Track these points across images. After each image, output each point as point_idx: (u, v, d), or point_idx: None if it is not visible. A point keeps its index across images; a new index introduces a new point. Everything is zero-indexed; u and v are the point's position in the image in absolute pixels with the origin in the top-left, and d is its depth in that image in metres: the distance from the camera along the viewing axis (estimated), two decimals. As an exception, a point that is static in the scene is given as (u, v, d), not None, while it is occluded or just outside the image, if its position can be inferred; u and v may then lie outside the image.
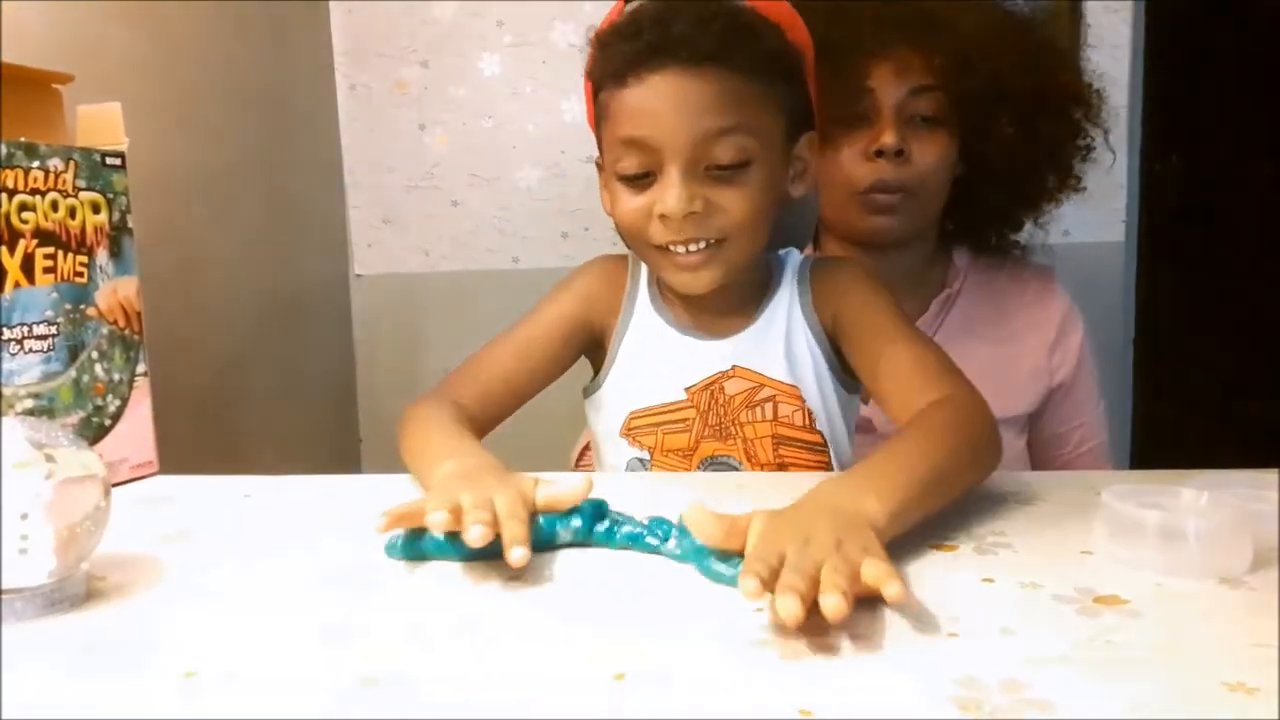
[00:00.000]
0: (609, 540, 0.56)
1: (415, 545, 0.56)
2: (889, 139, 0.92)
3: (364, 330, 1.74)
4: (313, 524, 0.65)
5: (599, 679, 0.40)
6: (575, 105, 1.61)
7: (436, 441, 0.68)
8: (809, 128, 0.75)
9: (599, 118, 0.73)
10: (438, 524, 0.51)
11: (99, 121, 0.81)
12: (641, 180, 0.69)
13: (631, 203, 0.70)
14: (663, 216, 0.68)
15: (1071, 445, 1.04)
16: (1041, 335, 1.01)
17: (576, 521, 0.56)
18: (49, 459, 0.48)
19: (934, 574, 0.51)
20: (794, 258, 0.80)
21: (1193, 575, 0.49)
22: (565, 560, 0.55)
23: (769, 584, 0.44)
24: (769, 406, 0.75)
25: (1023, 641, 0.42)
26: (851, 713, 0.36)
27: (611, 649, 0.43)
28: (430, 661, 0.42)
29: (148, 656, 0.44)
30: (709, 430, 0.76)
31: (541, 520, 0.56)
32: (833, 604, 0.41)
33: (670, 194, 0.67)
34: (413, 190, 1.68)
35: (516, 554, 0.50)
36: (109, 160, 0.78)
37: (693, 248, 0.69)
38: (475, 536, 0.50)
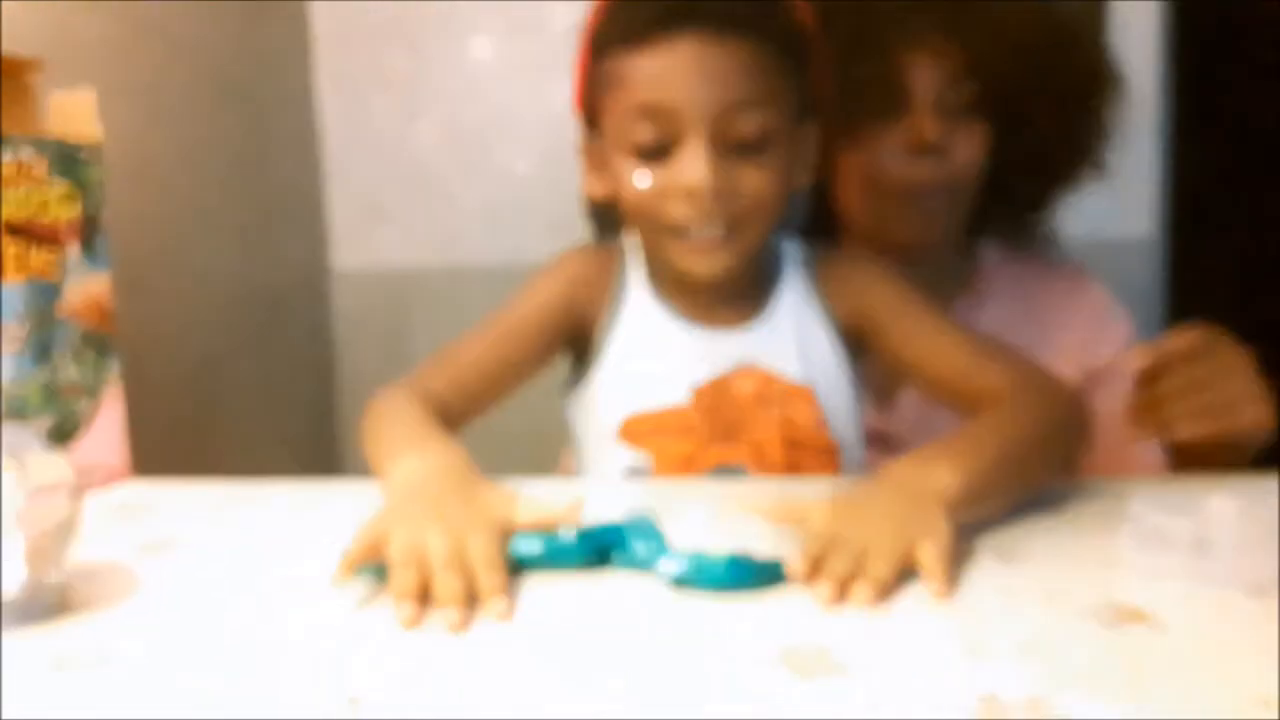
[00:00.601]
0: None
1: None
2: (931, 130, 0.84)
3: (346, 329, 1.71)
4: (292, 530, 0.63)
5: (599, 686, 0.38)
6: (569, 91, 1.58)
7: (400, 434, 0.63)
8: (812, 117, 0.73)
9: (600, 86, 0.68)
10: (406, 620, 0.45)
11: (72, 109, 0.78)
12: (655, 153, 0.65)
13: (644, 179, 0.66)
14: (686, 192, 0.64)
15: None
16: (1074, 335, 0.96)
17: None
18: (19, 466, 0.46)
19: (953, 585, 0.49)
20: (793, 250, 0.77)
21: (1223, 585, 0.47)
22: (561, 571, 0.53)
23: (815, 569, 0.44)
24: (781, 407, 0.71)
25: (1045, 656, 0.41)
26: (871, 732, 0.35)
27: (611, 655, 0.41)
28: (414, 673, 0.41)
29: (123, 668, 0.42)
30: (716, 432, 0.71)
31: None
32: (860, 595, 0.43)
33: (696, 166, 0.63)
34: (397, 181, 1.65)
35: (498, 609, 0.46)
36: (83, 151, 0.75)
37: (708, 230, 0.65)
38: (451, 622, 0.45)
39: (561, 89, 1.56)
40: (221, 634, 0.46)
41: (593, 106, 0.71)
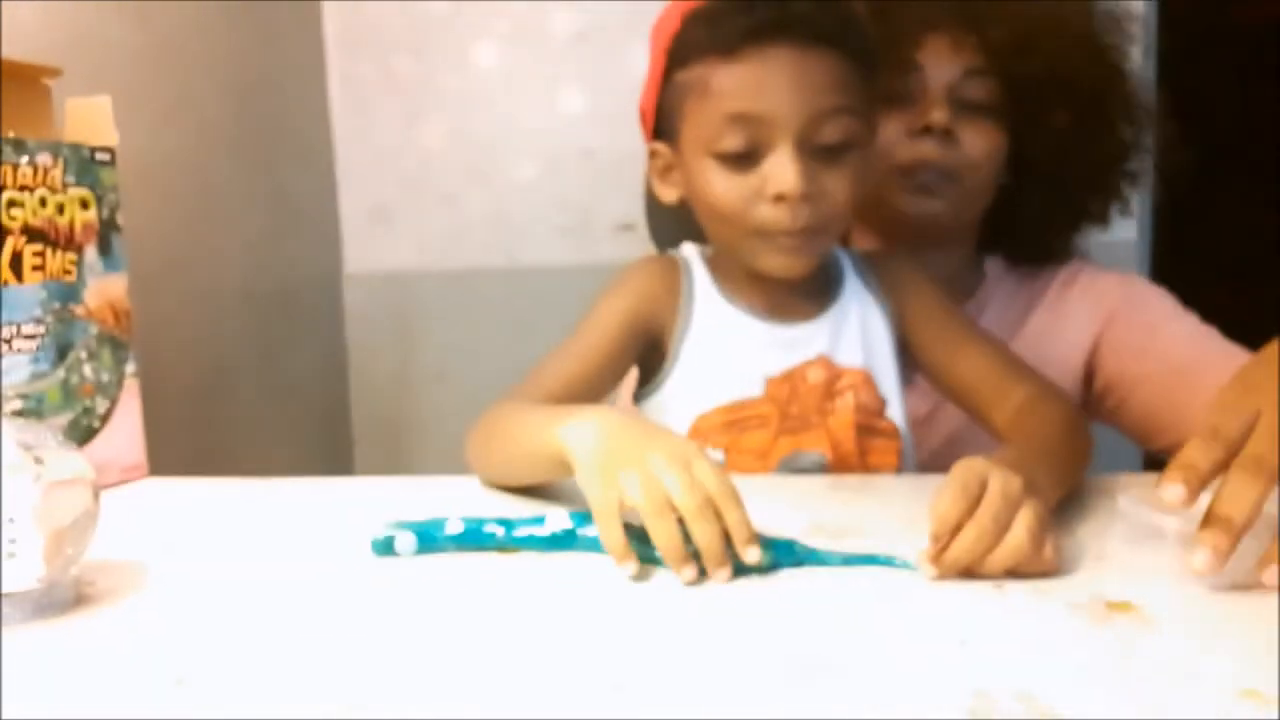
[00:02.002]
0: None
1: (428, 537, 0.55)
2: (938, 116, 0.85)
3: (357, 329, 1.72)
4: (305, 527, 0.64)
5: (598, 686, 0.39)
6: (575, 97, 1.59)
7: (542, 417, 0.62)
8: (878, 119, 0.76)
9: (681, 94, 0.70)
10: (689, 580, 0.49)
11: (88, 115, 0.80)
12: (742, 159, 0.68)
13: (731, 183, 0.68)
14: (779, 196, 0.66)
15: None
16: (1078, 320, 0.94)
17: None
18: (37, 461, 0.47)
19: (944, 581, 0.50)
20: (844, 251, 0.81)
21: (1216, 583, 0.48)
22: (564, 563, 0.54)
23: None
24: (850, 395, 0.74)
25: (1034, 649, 0.42)
26: (862, 723, 0.36)
27: (611, 653, 0.42)
28: (424, 668, 0.41)
29: (138, 663, 0.43)
30: (789, 424, 0.73)
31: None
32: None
33: (789, 172, 0.66)
34: (406, 185, 1.66)
35: (753, 555, 0.50)
36: (98, 156, 0.77)
37: (799, 232, 0.68)
38: (721, 577, 0.49)
39: (565, 95, 1.60)
40: (235, 630, 0.47)
41: (668, 114, 0.73)
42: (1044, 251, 0.97)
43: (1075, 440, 0.66)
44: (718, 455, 0.73)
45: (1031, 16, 0.86)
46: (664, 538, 0.50)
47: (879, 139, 0.85)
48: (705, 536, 0.49)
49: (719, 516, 0.50)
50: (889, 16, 0.85)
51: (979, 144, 0.87)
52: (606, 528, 0.52)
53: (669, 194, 0.75)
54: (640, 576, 0.51)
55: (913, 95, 0.87)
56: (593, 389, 0.74)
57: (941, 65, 0.86)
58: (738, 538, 0.50)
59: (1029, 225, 0.95)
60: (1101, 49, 0.89)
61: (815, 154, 0.67)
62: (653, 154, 0.75)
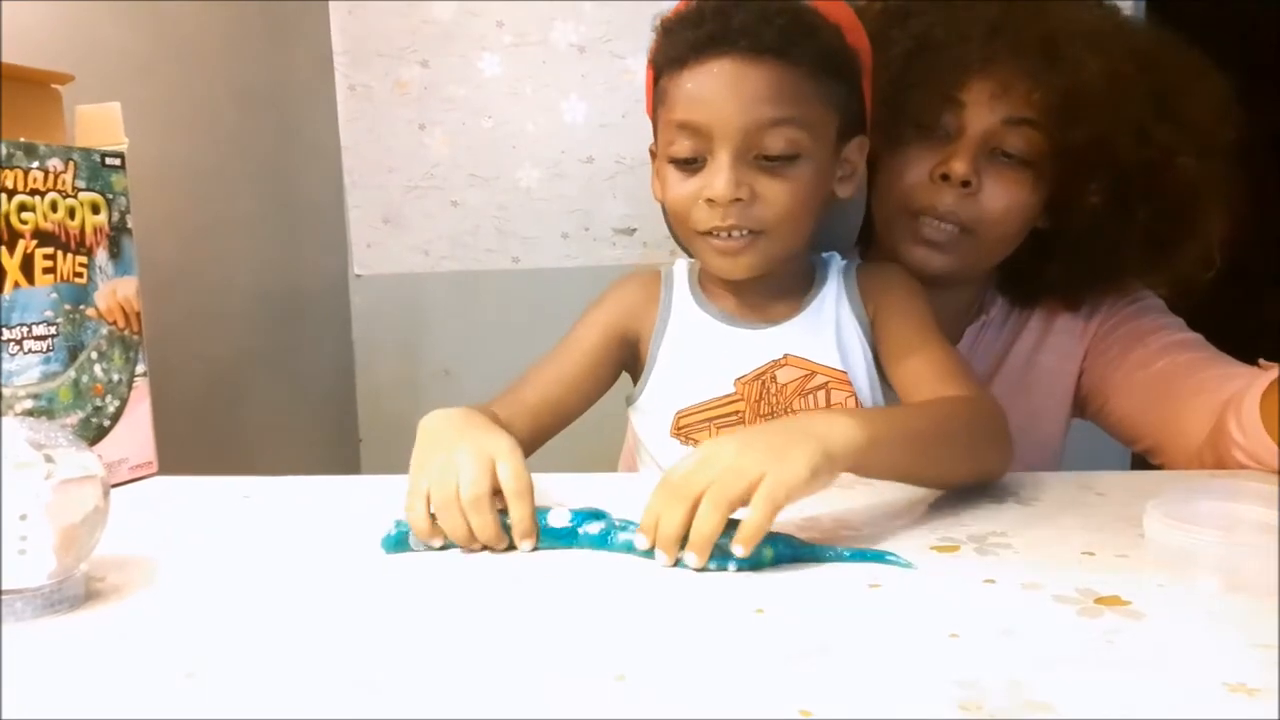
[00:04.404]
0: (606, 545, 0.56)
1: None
2: (959, 166, 0.80)
3: (364, 330, 1.74)
4: (312, 525, 0.65)
5: (600, 679, 0.40)
6: (575, 105, 1.61)
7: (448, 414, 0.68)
8: (861, 131, 0.75)
9: (657, 103, 0.74)
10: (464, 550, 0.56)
11: (98, 121, 0.81)
12: (692, 165, 0.70)
13: (680, 187, 0.71)
14: (709, 200, 0.69)
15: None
16: (1074, 323, 0.91)
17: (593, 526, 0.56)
18: (48, 460, 0.48)
19: (935, 574, 0.51)
20: (836, 260, 0.81)
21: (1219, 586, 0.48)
22: (565, 559, 0.55)
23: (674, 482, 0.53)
24: (821, 394, 0.75)
25: (1024, 642, 0.42)
26: (852, 713, 0.36)
27: (612, 649, 0.43)
28: (430, 662, 0.42)
29: (147, 657, 0.44)
30: (760, 421, 0.75)
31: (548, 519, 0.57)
32: (704, 512, 0.51)
33: (719, 179, 0.68)
34: (412, 190, 1.68)
35: (525, 546, 0.55)
36: (108, 160, 0.78)
37: (734, 234, 0.70)
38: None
39: (565, 105, 1.61)
40: (243, 625, 0.47)
41: (654, 121, 0.76)
42: (1055, 300, 0.92)
43: (961, 440, 0.64)
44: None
45: (1094, 79, 0.78)
46: (448, 525, 0.56)
47: (902, 171, 0.83)
48: (478, 525, 0.56)
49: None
50: (938, 47, 0.81)
51: (1001, 197, 0.81)
52: (410, 507, 0.58)
53: (658, 192, 0.77)
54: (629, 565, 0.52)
55: (949, 132, 0.82)
56: (569, 397, 0.78)
57: (983, 108, 0.80)
58: (516, 531, 0.56)
59: (1046, 281, 0.90)
60: (1153, 132, 0.80)
61: (757, 163, 0.68)
62: (652, 156, 0.77)
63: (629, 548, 0.55)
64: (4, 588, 0.47)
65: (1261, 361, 0.77)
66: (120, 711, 0.38)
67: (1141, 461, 0.91)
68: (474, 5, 1.61)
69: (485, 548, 0.57)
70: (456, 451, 0.58)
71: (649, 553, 0.54)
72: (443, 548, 0.57)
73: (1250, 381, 0.75)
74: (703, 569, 0.52)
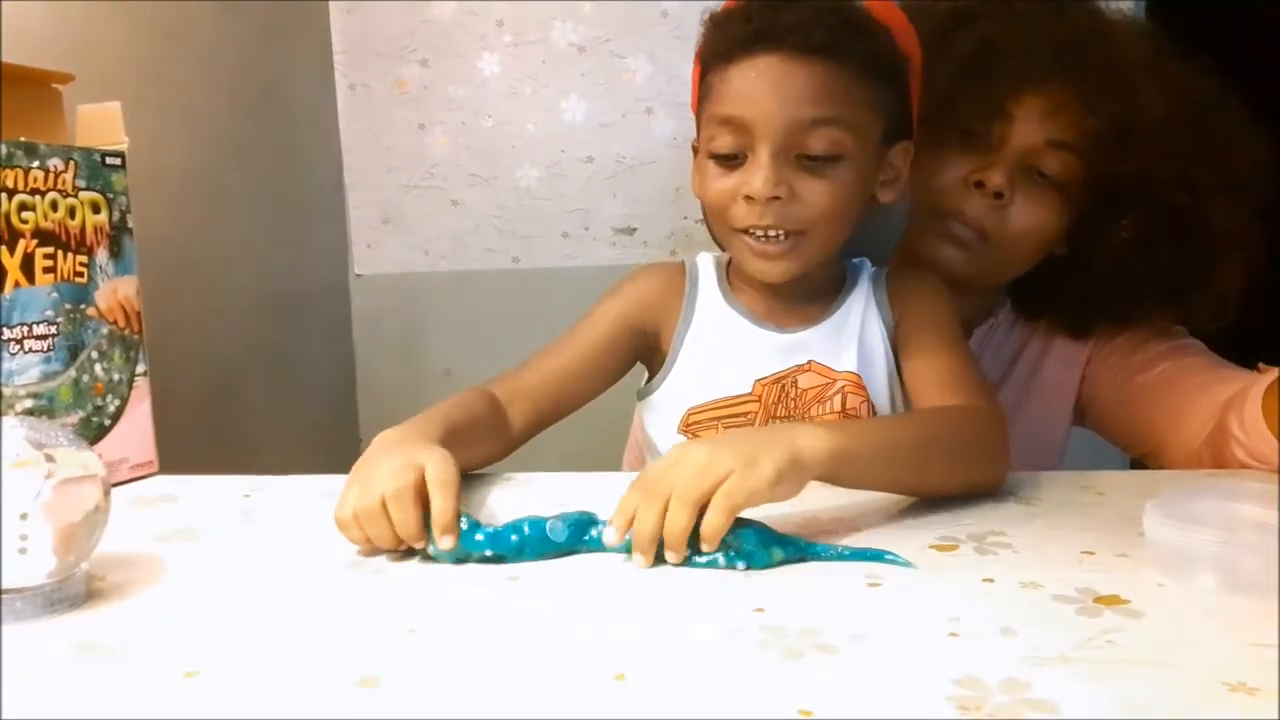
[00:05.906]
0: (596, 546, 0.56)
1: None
2: (996, 177, 0.80)
3: (364, 330, 1.74)
4: (312, 524, 0.65)
5: (600, 679, 0.40)
6: (575, 105, 1.61)
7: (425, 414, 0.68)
8: (906, 136, 0.74)
9: (701, 98, 0.73)
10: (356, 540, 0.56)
11: (99, 121, 0.81)
12: (732, 161, 0.69)
13: (720, 182, 0.70)
14: (747, 198, 0.68)
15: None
16: (1073, 348, 0.91)
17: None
18: (49, 459, 0.48)
19: (934, 573, 0.51)
20: (867, 265, 0.80)
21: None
22: (565, 560, 0.55)
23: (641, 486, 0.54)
24: (838, 399, 0.74)
25: (1023, 641, 0.42)
26: (851, 712, 0.36)
27: (612, 649, 0.43)
28: (430, 661, 0.42)
29: (148, 656, 0.44)
30: (772, 423, 0.74)
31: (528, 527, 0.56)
32: (673, 514, 0.52)
33: (758, 176, 0.67)
34: (412, 190, 1.68)
35: (445, 543, 0.54)
36: (109, 160, 0.78)
37: (771, 233, 0.69)
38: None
39: (565, 104, 1.61)
40: (243, 625, 0.47)
41: (698, 116, 0.75)
42: (1061, 327, 0.92)
43: (952, 451, 0.64)
44: None
45: (1149, 119, 0.77)
46: (371, 528, 0.56)
47: (938, 170, 0.83)
48: (399, 521, 0.55)
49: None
50: (999, 56, 0.80)
51: (1029, 215, 0.81)
52: (339, 519, 0.57)
53: (696, 187, 0.76)
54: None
55: (991, 142, 0.81)
56: (573, 385, 0.77)
57: (1030, 125, 0.80)
58: (436, 525, 0.55)
59: (1057, 308, 0.90)
60: (1194, 177, 0.79)
61: (799, 162, 0.68)
62: (694, 151, 0.77)
63: (596, 544, 0.55)
64: (4, 587, 0.47)
65: (1261, 365, 0.77)
66: (120, 711, 0.39)
67: (1141, 462, 0.91)
68: (474, 5, 1.61)
69: (409, 549, 0.56)
70: (386, 460, 0.58)
71: (623, 548, 0.54)
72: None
73: (1251, 383, 0.75)
74: (713, 565, 0.53)
